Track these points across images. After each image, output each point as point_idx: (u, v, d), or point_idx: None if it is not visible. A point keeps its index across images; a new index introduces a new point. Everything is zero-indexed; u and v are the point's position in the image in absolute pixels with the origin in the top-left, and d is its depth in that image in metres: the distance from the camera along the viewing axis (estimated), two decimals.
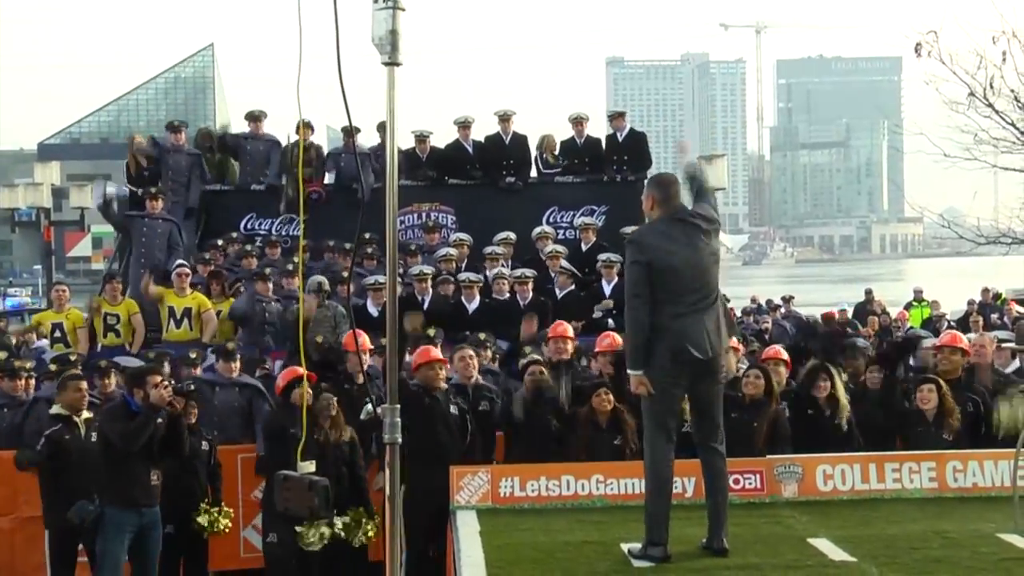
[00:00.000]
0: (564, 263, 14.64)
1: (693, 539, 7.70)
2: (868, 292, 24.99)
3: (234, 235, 16.00)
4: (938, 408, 9.75)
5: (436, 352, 10.05)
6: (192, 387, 10.29)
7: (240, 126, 17.78)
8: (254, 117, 16.84)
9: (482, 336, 12.22)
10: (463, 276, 14.14)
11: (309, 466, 5.87)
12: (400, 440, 5.34)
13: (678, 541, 7.72)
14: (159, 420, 8.88)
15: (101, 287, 14.66)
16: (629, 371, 7.35)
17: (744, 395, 9.72)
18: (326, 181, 16.40)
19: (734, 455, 8.59)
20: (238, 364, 11.66)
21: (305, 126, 15.46)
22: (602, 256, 14.58)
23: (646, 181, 8.28)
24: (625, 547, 7.54)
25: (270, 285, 13.88)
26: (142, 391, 8.96)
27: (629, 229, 15.58)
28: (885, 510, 8.68)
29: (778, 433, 9.57)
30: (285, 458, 7.31)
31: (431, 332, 12.02)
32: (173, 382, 9.57)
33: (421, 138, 17.01)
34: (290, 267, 14.54)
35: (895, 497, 8.99)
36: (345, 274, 13.89)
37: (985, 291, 25.30)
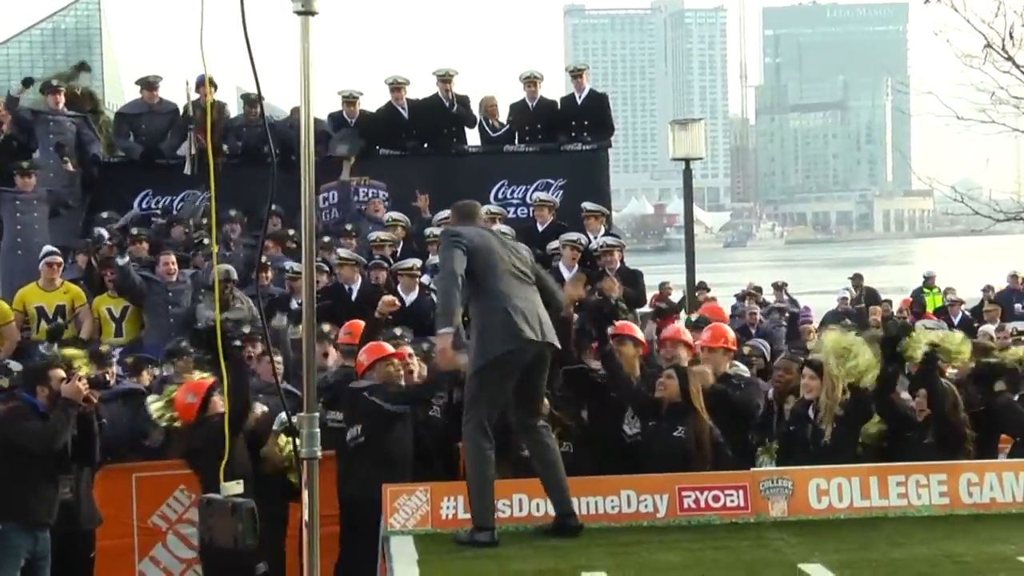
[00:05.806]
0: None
1: (668, 566, 7.75)
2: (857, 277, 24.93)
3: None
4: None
5: (388, 346, 10.01)
6: (108, 378, 10.19)
7: (131, 90, 17.58)
8: (148, 84, 16.73)
9: (398, 331, 11.40)
10: (406, 263, 13.86)
11: (235, 487, 5.75)
12: (319, 455, 5.33)
13: (652, 568, 7.78)
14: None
15: None
16: (439, 331, 8.23)
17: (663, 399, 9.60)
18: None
19: (656, 468, 9.15)
20: (114, 369, 11.35)
21: (209, 83, 15.36)
22: (564, 237, 14.35)
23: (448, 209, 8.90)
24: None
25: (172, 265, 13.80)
26: (46, 388, 8.89)
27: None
28: (889, 530, 8.75)
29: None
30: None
31: (398, 331, 11.38)
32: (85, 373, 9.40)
33: (349, 100, 16.95)
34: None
35: (900, 515, 9.06)
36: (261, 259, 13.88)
37: (1014, 277, 25.34)
